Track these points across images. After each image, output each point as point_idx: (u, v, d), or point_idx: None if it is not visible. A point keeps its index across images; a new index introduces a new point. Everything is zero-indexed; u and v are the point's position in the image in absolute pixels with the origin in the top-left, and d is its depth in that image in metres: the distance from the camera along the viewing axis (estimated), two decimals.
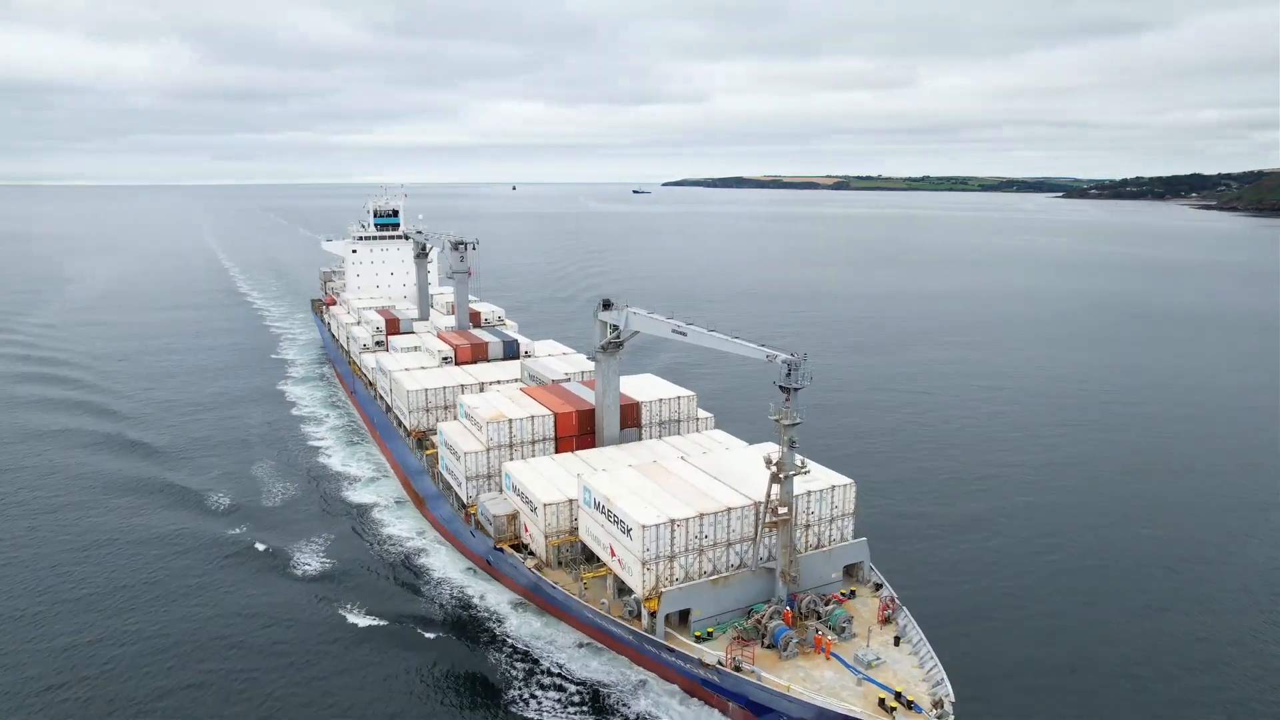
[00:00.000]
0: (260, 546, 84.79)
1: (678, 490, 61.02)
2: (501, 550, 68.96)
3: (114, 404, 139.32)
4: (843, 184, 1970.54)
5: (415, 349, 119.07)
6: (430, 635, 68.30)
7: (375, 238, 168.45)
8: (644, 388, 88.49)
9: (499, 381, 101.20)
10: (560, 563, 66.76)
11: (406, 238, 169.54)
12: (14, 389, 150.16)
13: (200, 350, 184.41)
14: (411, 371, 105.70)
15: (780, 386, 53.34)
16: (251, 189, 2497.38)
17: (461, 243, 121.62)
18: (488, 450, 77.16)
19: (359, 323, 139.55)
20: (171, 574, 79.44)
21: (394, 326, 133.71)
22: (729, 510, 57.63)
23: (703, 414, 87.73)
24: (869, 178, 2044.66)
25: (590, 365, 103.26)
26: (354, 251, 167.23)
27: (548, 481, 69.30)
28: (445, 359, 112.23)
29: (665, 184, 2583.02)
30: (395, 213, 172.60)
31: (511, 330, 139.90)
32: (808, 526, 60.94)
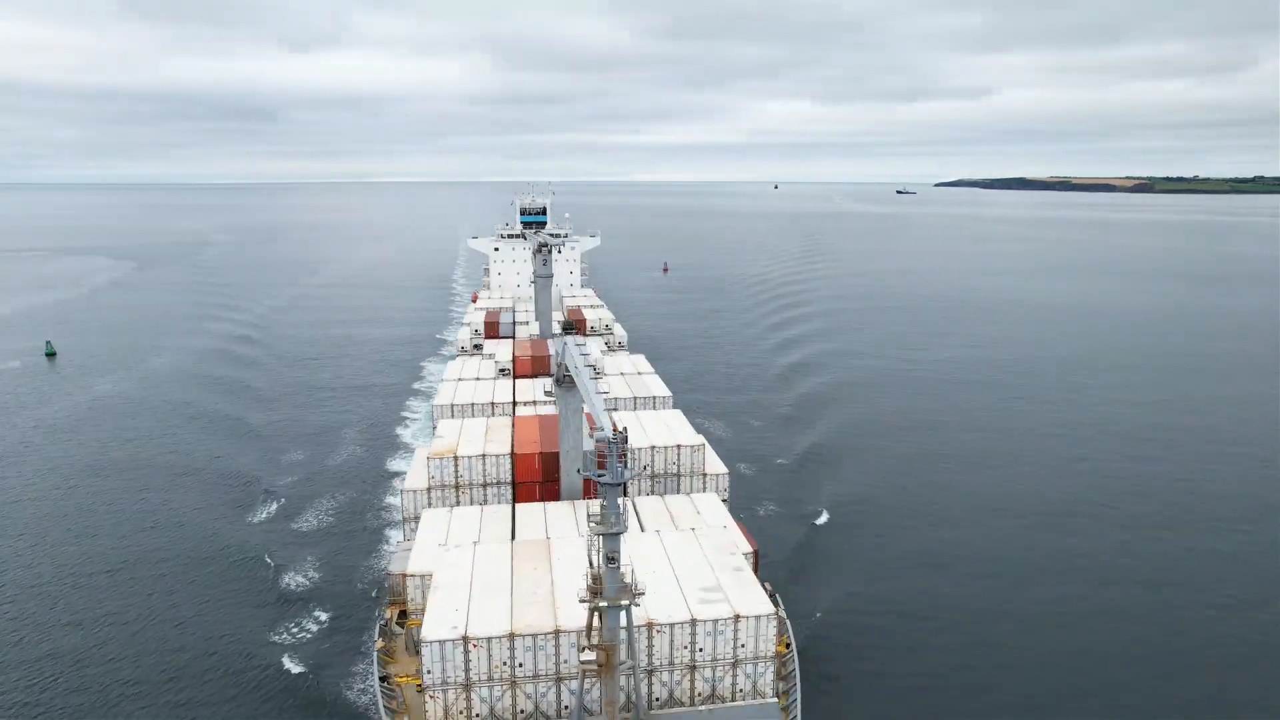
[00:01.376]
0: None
1: (535, 589, 45.46)
2: (386, 621, 57.11)
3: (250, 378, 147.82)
4: (1145, 186, 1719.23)
5: (490, 356, 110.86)
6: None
7: (519, 236, 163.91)
8: (651, 427, 72.37)
9: (535, 401, 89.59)
10: None
11: (565, 235, 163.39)
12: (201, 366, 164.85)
13: (372, 335, 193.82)
14: (452, 382, 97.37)
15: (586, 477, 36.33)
16: (533, 186, 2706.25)
17: (544, 245, 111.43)
18: (429, 489, 65.75)
19: (465, 323, 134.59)
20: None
21: (493, 329, 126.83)
22: (558, 633, 41.20)
23: (717, 469, 69.77)
24: (1179, 179, 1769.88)
25: (662, 391, 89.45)
26: (495, 250, 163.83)
27: (440, 545, 55.79)
28: (503, 371, 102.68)
29: (938, 184, 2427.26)
30: (543, 211, 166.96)
31: (617, 338, 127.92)
32: (694, 667, 42.61)
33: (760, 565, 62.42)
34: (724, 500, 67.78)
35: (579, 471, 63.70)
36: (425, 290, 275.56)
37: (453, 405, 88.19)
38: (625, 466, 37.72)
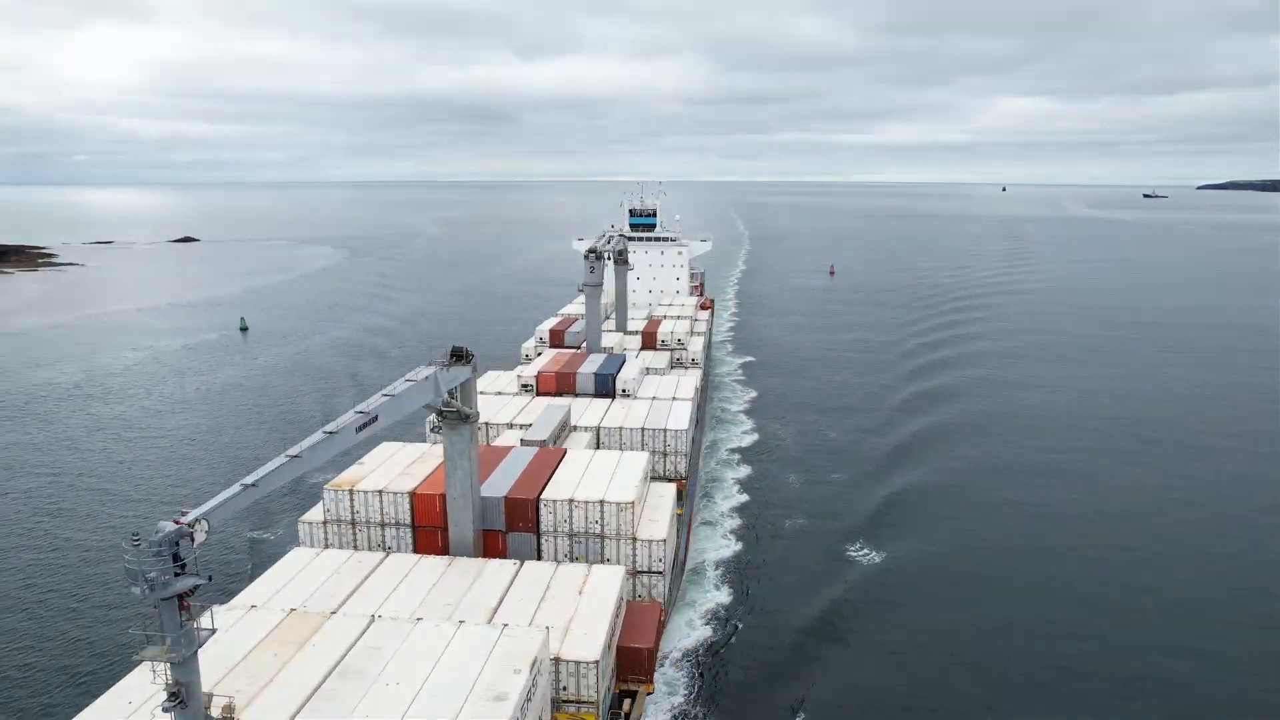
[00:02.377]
0: None
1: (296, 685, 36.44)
2: None
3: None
4: None
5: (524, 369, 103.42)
6: None
7: (633, 238, 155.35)
8: (596, 472, 61.09)
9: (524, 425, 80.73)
10: None
11: (671, 239, 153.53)
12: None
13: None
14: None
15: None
16: (746, 186, 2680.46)
17: (592, 251, 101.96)
18: (325, 523, 58.85)
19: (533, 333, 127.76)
20: None
21: (558, 338, 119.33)
22: None
23: (652, 535, 57.18)
24: None
25: (679, 424, 78.47)
26: None
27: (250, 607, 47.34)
28: (525, 387, 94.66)
29: (1201, 187, 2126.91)
30: (653, 213, 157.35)
31: (690, 354, 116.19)
32: None
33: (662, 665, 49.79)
34: (642, 572, 55.79)
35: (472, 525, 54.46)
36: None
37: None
38: (184, 570, 27.17)
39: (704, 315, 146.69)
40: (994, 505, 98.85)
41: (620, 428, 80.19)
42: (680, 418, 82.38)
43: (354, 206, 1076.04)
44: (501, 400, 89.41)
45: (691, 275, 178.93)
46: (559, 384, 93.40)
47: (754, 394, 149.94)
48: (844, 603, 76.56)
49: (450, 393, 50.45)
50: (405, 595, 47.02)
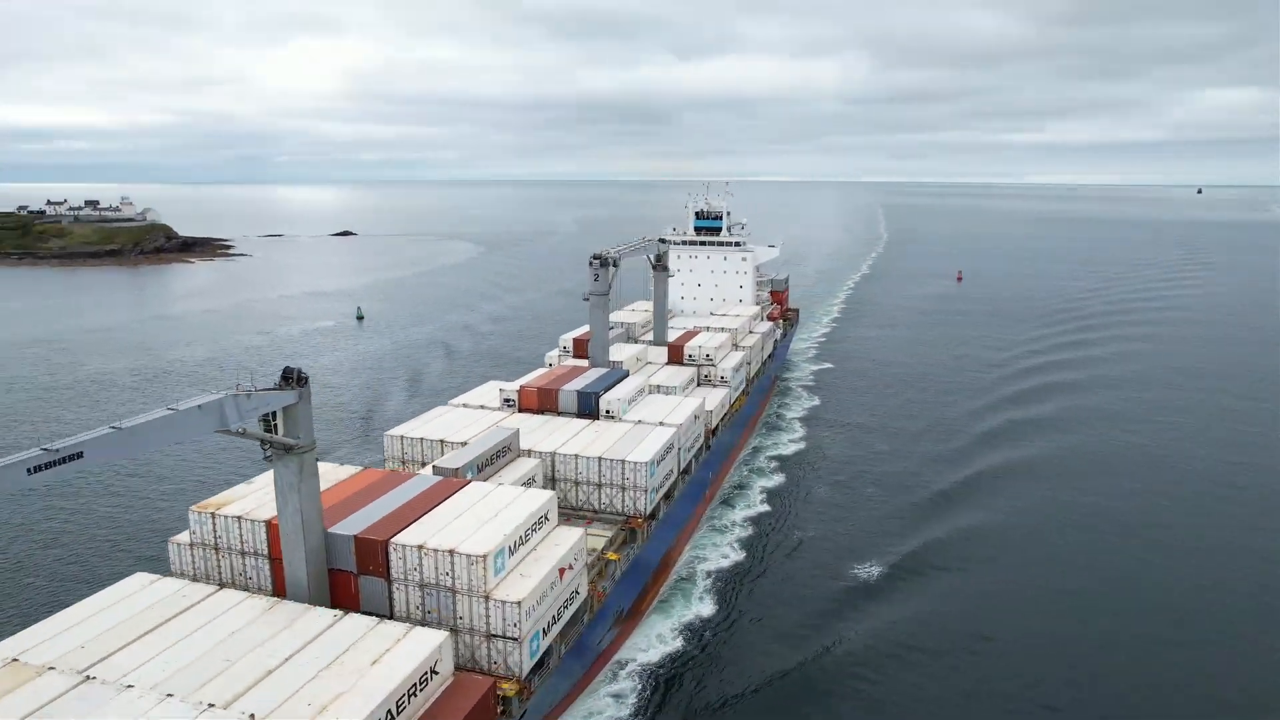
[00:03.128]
0: None
1: None
2: None
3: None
4: None
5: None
6: None
7: (689, 243, 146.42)
8: (479, 513, 53.92)
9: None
10: None
11: (735, 244, 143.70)
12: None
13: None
14: (445, 412, 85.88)
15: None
16: (909, 187, 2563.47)
17: (597, 257, 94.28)
18: (192, 545, 55.08)
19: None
20: None
21: (582, 348, 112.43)
22: None
23: (506, 595, 49.26)
24: None
25: (644, 456, 71.89)
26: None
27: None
28: (508, 402, 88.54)
29: None
30: (719, 215, 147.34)
31: (719, 371, 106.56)
32: None
33: None
34: (496, 636, 48.15)
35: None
36: None
37: (402, 438, 76.92)
38: None
39: (763, 328, 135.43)
40: (1051, 569, 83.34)
41: (576, 455, 72.56)
42: (648, 449, 73.66)
43: (508, 204, 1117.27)
44: (475, 415, 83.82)
45: (771, 282, 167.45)
46: (541, 400, 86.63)
47: (817, 402, 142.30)
48: (832, 649, 69.69)
49: (267, 420, 44.97)
50: (181, 649, 41.90)
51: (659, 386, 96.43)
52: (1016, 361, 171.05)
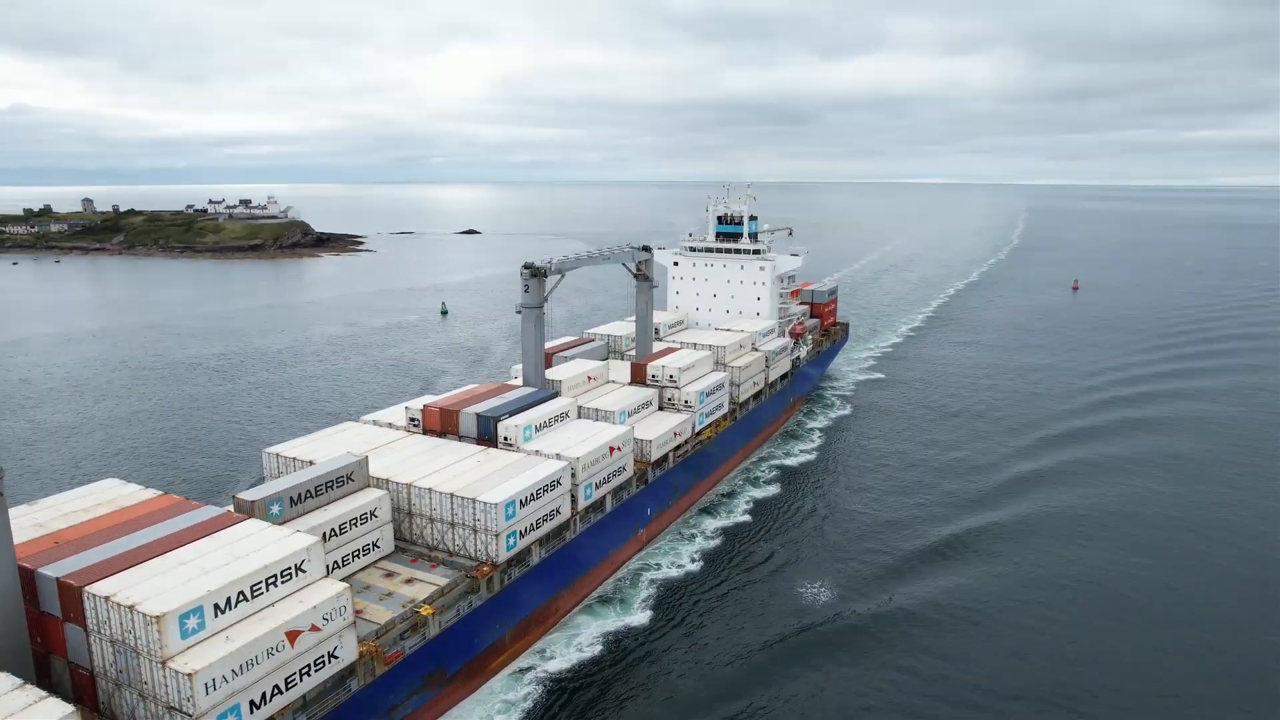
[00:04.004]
0: None
1: None
2: None
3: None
4: None
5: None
6: None
7: (707, 249, 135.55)
8: (219, 556, 47.90)
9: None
10: None
11: (754, 252, 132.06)
12: None
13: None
14: (345, 429, 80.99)
15: None
16: (1070, 189, 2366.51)
17: (530, 265, 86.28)
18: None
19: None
20: None
21: (546, 361, 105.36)
22: None
23: (187, 665, 42.67)
24: None
25: (494, 498, 65.15)
26: (675, 264, 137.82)
27: None
28: (414, 421, 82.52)
29: None
30: (740, 220, 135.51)
31: (684, 396, 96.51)
32: None
33: None
34: (174, 709, 41.82)
35: None
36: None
37: (278, 456, 72.64)
38: None
39: (774, 344, 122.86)
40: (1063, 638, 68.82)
41: (430, 490, 65.57)
42: (509, 488, 65.53)
43: (638, 204, 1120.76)
44: (375, 435, 78.44)
45: (812, 294, 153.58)
46: (443, 422, 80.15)
47: (845, 413, 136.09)
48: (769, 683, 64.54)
49: None
50: None
51: (597, 410, 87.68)
52: (1107, 387, 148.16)
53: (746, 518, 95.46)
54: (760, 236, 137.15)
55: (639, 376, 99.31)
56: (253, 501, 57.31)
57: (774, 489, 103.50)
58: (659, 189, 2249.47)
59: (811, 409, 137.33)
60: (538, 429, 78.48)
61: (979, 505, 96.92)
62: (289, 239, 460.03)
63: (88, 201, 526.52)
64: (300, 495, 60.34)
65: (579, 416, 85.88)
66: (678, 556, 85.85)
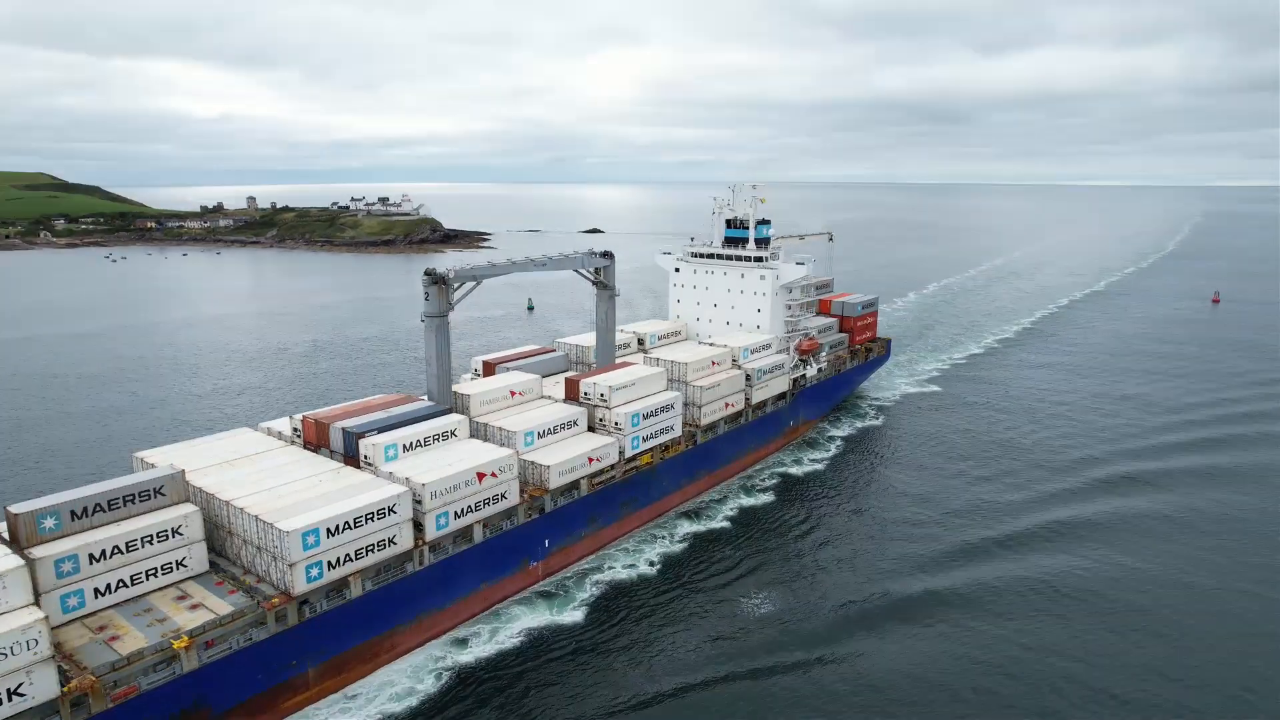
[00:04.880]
0: None
1: None
2: None
3: None
4: None
5: None
6: None
7: (708, 255, 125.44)
8: None
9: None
10: None
11: (758, 259, 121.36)
12: None
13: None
14: (230, 437, 78.98)
15: None
16: (1271, 191, 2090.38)
17: (430, 271, 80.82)
18: None
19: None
20: None
21: (490, 371, 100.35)
22: None
23: None
24: None
25: (291, 525, 61.55)
26: (676, 270, 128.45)
27: None
28: (297, 430, 79.33)
29: None
30: (746, 224, 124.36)
31: (614, 418, 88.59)
32: None
33: None
34: None
35: None
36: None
37: (142, 460, 71.55)
38: None
39: (770, 360, 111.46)
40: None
41: (243, 510, 61.82)
42: (313, 515, 60.60)
43: (776, 205, 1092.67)
44: (253, 442, 76.10)
45: (843, 306, 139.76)
46: (317, 436, 76.57)
47: (876, 423, 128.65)
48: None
49: None
50: None
51: (501, 430, 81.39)
52: (1184, 428, 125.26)
53: (726, 524, 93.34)
54: (773, 242, 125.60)
55: (572, 393, 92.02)
56: (18, 515, 55.40)
57: (768, 497, 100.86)
58: (806, 190, 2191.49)
59: (839, 418, 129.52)
60: (406, 448, 73.31)
61: (971, 559, 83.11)
62: (418, 235, 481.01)
63: (251, 199, 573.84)
64: (87, 509, 57.99)
65: (473, 435, 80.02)
66: (634, 558, 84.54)
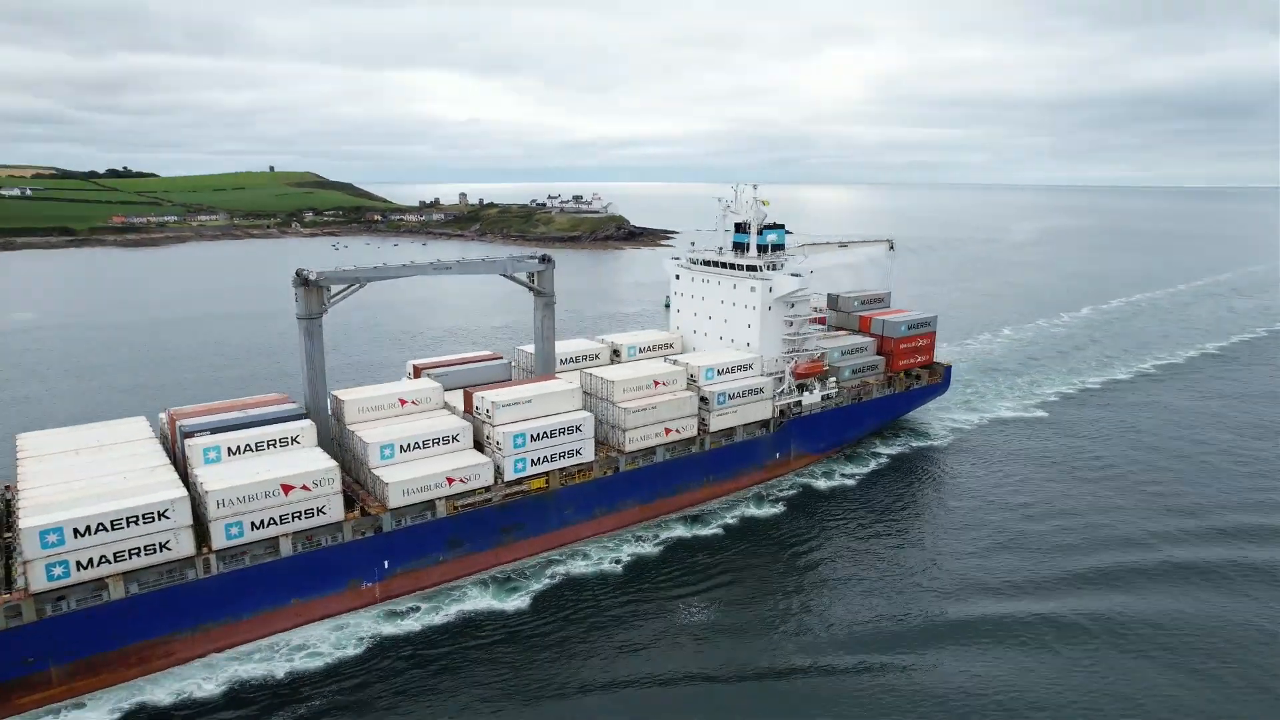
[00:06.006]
0: None
1: None
2: None
3: None
4: None
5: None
6: None
7: (705, 263, 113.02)
8: None
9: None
10: None
11: (751, 268, 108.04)
12: None
13: None
14: (128, 423, 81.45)
15: None
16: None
17: (300, 272, 78.16)
18: None
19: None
20: None
21: (419, 372, 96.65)
22: None
23: None
24: None
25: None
26: (676, 278, 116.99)
27: None
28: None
29: None
30: (747, 228, 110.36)
31: (495, 438, 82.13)
32: None
33: None
34: None
35: None
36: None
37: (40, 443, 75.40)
38: None
39: (743, 383, 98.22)
40: None
41: (10, 503, 63.29)
42: (65, 513, 60.03)
43: (996, 209, 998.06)
44: (124, 433, 78.26)
45: (888, 326, 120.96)
46: (172, 434, 76.98)
47: (929, 443, 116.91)
48: None
49: None
50: None
51: (362, 440, 77.69)
52: None
53: (722, 529, 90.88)
54: (789, 249, 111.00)
55: (469, 406, 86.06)
56: None
57: (778, 508, 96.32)
58: (1048, 193, 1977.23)
59: (897, 430, 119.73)
60: (232, 452, 71.70)
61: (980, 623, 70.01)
62: (603, 231, 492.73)
63: (463, 195, 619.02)
64: None
65: (343, 444, 77.30)
66: (599, 558, 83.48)
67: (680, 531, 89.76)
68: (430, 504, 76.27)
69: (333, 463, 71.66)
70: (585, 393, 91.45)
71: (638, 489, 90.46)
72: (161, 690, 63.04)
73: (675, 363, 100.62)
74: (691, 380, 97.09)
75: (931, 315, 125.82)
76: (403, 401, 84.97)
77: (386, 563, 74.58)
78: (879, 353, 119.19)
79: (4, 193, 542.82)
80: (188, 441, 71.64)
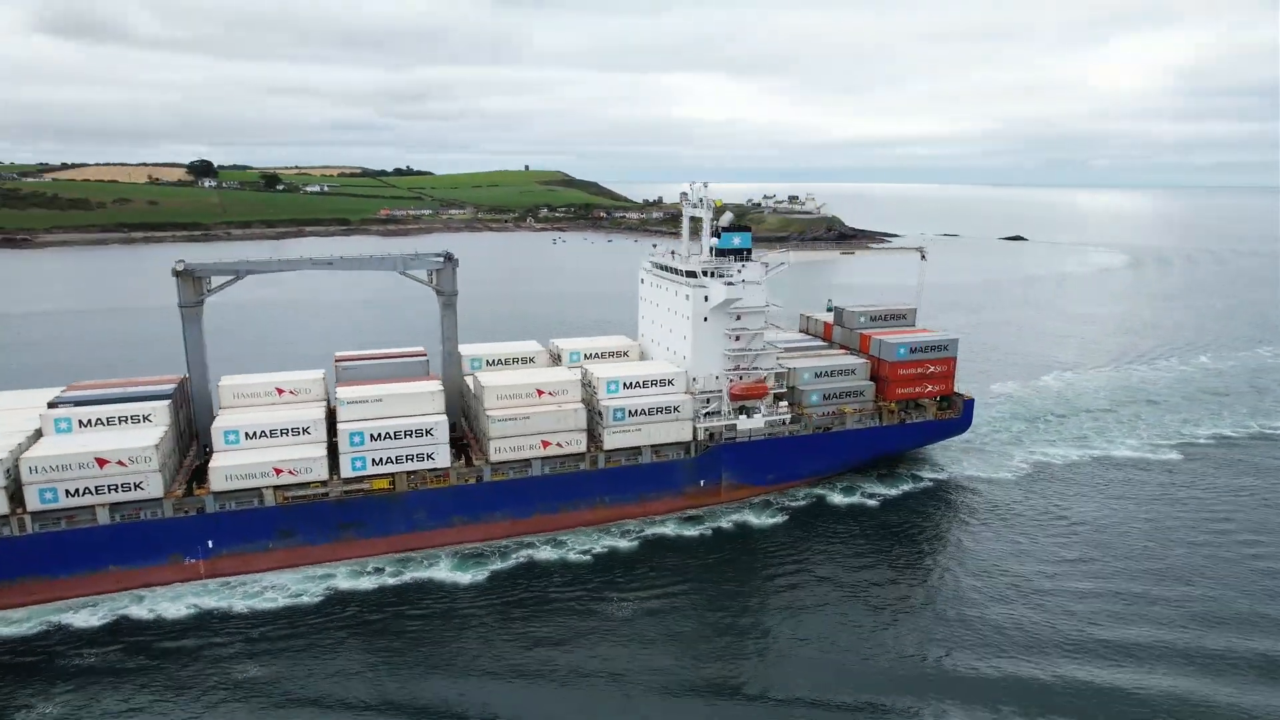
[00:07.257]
0: None
1: None
2: None
3: None
4: None
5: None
6: None
7: (659, 267, 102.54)
8: None
9: None
10: None
11: (690, 274, 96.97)
12: None
13: None
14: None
15: None
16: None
17: (181, 263, 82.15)
18: None
19: None
20: None
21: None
22: None
23: None
24: None
25: None
26: (641, 282, 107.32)
27: None
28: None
29: None
30: (717, 232, 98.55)
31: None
32: None
33: None
34: None
35: None
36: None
37: None
38: None
39: (661, 399, 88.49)
40: None
41: None
42: None
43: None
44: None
45: (884, 347, 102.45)
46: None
47: (933, 481, 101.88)
48: None
49: None
50: None
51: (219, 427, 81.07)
52: None
53: (689, 530, 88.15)
54: (755, 255, 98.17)
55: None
56: None
57: (762, 516, 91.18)
58: None
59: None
60: (83, 424, 77.92)
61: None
62: (812, 233, 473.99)
63: (683, 194, 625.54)
64: None
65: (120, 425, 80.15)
66: (561, 553, 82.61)
67: (547, 553, 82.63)
68: (259, 492, 77.34)
69: (150, 442, 75.06)
70: (474, 397, 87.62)
71: (507, 502, 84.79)
72: None
73: (586, 372, 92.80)
74: (589, 392, 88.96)
75: (950, 338, 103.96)
76: (280, 391, 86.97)
77: (210, 542, 76.84)
78: (873, 377, 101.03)
79: (308, 189, 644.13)
80: (52, 411, 78.88)
